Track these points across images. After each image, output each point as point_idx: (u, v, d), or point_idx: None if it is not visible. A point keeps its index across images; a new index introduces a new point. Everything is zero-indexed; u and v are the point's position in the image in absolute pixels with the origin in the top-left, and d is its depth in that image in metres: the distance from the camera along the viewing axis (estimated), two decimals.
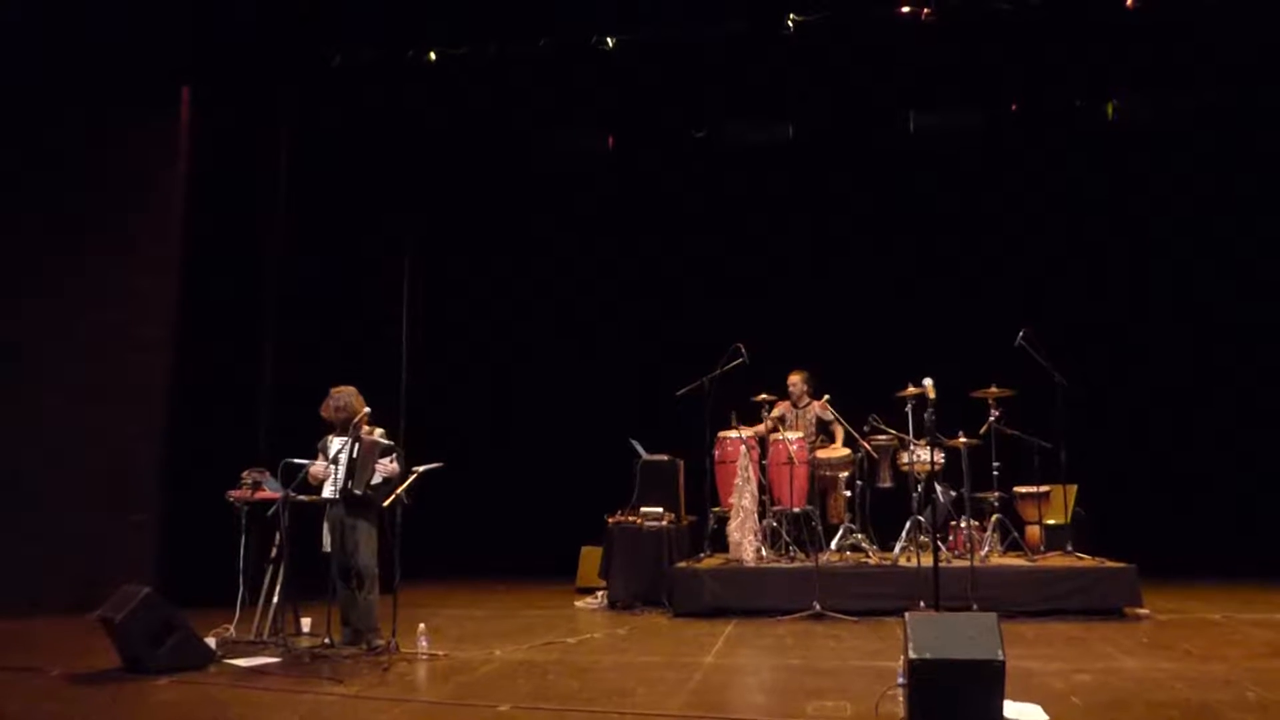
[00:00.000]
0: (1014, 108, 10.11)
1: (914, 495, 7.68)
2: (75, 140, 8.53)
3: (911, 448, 7.70)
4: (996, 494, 8.06)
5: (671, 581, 7.79)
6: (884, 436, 8.18)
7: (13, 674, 5.53)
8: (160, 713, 4.73)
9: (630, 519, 8.38)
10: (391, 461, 6.18)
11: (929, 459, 7.72)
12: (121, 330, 8.44)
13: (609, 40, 9.07)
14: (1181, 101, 9.82)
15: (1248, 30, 8.59)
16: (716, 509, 8.35)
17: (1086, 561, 7.57)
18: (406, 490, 6.14)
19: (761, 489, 8.12)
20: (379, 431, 6.39)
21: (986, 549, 7.85)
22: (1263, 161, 9.97)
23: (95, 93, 8.55)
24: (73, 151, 8.53)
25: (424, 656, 5.91)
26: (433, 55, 9.25)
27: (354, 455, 6.11)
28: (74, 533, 7.93)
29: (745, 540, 7.84)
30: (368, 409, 6.30)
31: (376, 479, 6.13)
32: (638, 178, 11.11)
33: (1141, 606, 7.13)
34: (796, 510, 8.09)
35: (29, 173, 8.49)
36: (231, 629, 6.42)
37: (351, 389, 6.38)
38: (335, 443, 6.22)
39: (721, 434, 8.39)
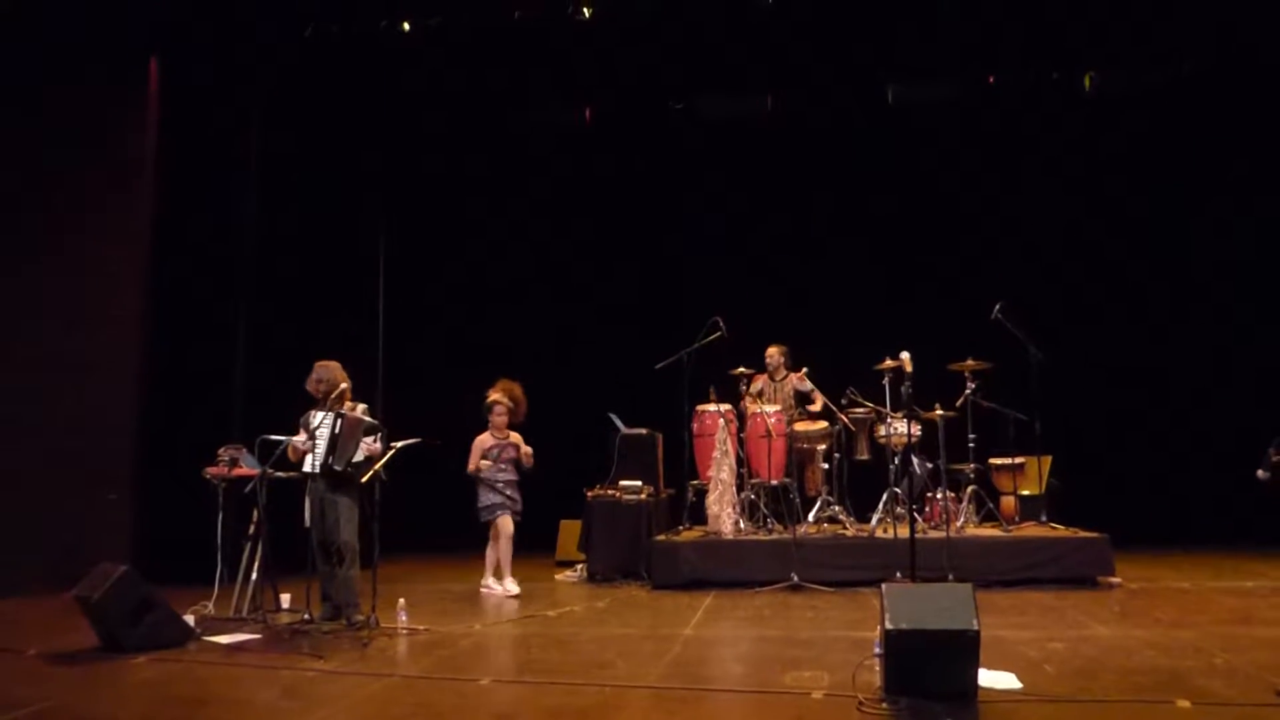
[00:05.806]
0: (990, 80, 10.12)
1: (891, 467, 7.74)
2: (44, 110, 8.36)
3: (889, 420, 7.75)
4: (972, 466, 8.13)
5: (650, 554, 7.83)
6: (861, 409, 8.21)
7: None
8: (139, 691, 4.70)
9: (609, 492, 8.40)
10: (375, 441, 6.16)
11: (906, 431, 7.75)
12: (93, 302, 8.34)
13: (585, 10, 8.99)
14: (1159, 73, 9.86)
15: None
16: (695, 482, 8.38)
17: (1060, 532, 7.65)
18: (385, 466, 6.13)
19: (740, 462, 8.16)
20: (361, 407, 6.34)
21: (962, 520, 7.93)
22: (1239, 134, 10.00)
23: (64, 63, 8.37)
24: (42, 123, 8.35)
25: (404, 631, 5.92)
26: (406, 26, 9.15)
27: (336, 431, 6.08)
28: (49, 511, 7.85)
29: (724, 513, 7.88)
30: (348, 383, 6.27)
31: (359, 457, 6.10)
32: (615, 152, 11.04)
33: (1114, 575, 7.23)
34: (774, 483, 8.13)
35: None
36: (210, 606, 6.39)
37: (334, 364, 6.36)
38: (317, 417, 6.20)
39: (700, 407, 8.41)
